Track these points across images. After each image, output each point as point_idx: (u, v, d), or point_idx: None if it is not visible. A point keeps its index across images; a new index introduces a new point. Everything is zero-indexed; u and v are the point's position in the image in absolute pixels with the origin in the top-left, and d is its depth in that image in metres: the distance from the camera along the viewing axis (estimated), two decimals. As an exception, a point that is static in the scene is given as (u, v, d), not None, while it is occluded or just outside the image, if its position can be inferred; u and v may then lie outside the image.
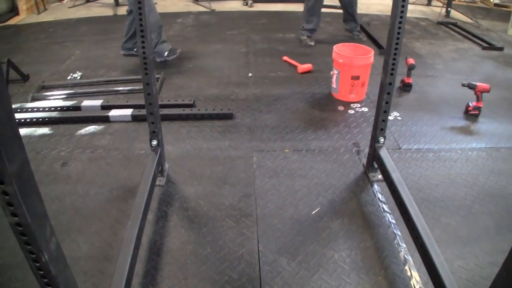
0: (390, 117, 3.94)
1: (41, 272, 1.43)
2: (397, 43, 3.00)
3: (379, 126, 3.32)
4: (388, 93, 3.19)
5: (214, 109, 4.29)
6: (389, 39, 3.03)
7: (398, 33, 2.95)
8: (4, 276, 2.53)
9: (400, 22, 2.91)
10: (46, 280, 1.46)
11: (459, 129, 4.35)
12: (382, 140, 3.37)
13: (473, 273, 2.69)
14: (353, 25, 6.77)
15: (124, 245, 2.41)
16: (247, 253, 2.75)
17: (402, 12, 2.88)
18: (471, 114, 4.61)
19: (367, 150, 3.76)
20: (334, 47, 4.79)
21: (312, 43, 6.47)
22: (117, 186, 3.32)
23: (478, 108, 4.59)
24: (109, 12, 8.00)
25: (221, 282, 2.54)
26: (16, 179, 1.23)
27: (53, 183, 3.33)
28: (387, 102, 3.23)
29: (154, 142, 3.24)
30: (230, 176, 3.46)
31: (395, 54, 3.04)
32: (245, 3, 8.82)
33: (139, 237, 2.54)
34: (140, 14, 2.77)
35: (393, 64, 3.08)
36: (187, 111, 4.27)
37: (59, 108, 4.32)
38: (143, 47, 2.87)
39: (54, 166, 3.54)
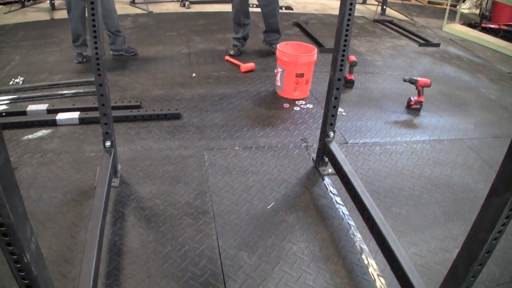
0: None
1: (22, 274, 1.43)
2: (345, 40, 3.08)
3: (329, 121, 3.39)
4: (337, 89, 3.27)
5: (161, 110, 4.28)
6: (337, 36, 3.11)
7: (347, 30, 3.03)
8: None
9: (348, 20, 2.99)
10: (27, 281, 1.45)
11: (402, 123, 4.49)
12: (332, 134, 3.45)
13: (427, 259, 2.82)
14: (274, 36, 6.23)
15: (87, 247, 2.39)
16: (207, 249, 2.77)
17: (350, 10, 2.96)
18: (413, 108, 4.77)
19: (315, 145, 3.85)
20: (278, 45, 4.86)
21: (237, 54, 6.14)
22: (70, 189, 3.26)
23: (419, 103, 4.75)
24: (45, 16, 7.83)
25: (185, 278, 2.55)
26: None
27: (3, 189, 3.21)
28: (336, 98, 3.31)
29: (108, 143, 3.22)
30: (183, 174, 3.47)
31: (343, 51, 3.13)
32: (182, 5, 8.81)
33: (101, 238, 2.52)
34: (93, 15, 2.76)
35: (342, 60, 3.16)
36: (135, 112, 4.25)
37: (4, 114, 4.19)
38: (96, 48, 2.85)
39: (3, 172, 3.41)
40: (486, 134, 4.46)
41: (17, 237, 1.34)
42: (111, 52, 5.70)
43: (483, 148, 4.18)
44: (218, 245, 2.81)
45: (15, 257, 1.38)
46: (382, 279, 2.63)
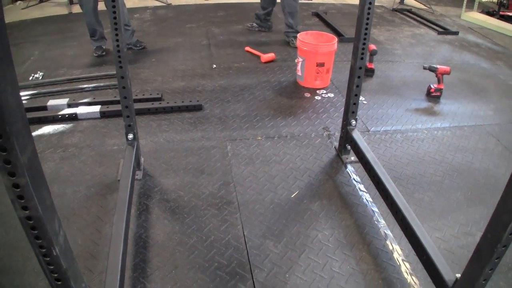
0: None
1: (51, 267, 1.43)
2: (366, 29, 3.08)
3: (351, 109, 3.40)
4: (359, 77, 3.28)
5: (183, 101, 4.31)
6: (358, 25, 3.11)
7: (367, 18, 3.03)
8: None
9: (369, 8, 2.99)
10: (56, 275, 1.46)
11: (423, 110, 4.49)
12: (354, 122, 3.46)
13: (451, 244, 2.82)
14: (289, 29, 6.21)
15: (113, 241, 2.41)
16: (233, 239, 2.80)
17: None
18: (433, 96, 4.75)
19: (337, 134, 3.86)
20: (298, 35, 4.87)
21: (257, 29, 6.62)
22: (93, 183, 3.28)
23: (439, 90, 4.74)
24: (63, 11, 7.90)
25: (211, 268, 2.58)
26: (28, 170, 1.23)
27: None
28: (357, 86, 3.31)
29: (130, 136, 3.24)
30: (207, 165, 3.49)
31: (364, 39, 3.13)
32: (200, -4, 8.83)
33: (126, 231, 2.54)
34: (114, 7, 2.79)
35: (363, 49, 3.16)
36: (156, 104, 4.28)
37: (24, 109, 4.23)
38: (117, 40, 2.87)
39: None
40: (506, 120, 4.43)
41: (46, 230, 1.34)
42: None
43: (504, 134, 4.16)
44: (244, 234, 2.83)
45: (44, 250, 1.38)
46: (407, 264, 2.64)
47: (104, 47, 5.57)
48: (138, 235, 2.81)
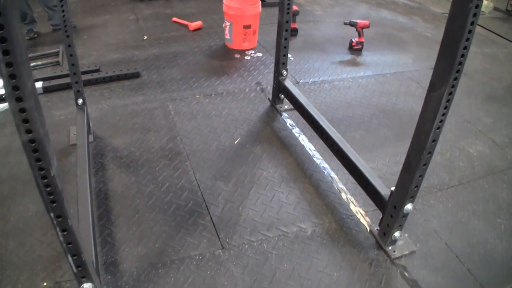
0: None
1: (49, 189, 1.59)
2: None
3: (281, 60, 3.69)
4: (286, 30, 3.55)
5: (121, 70, 4.46)
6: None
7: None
8: None
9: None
10: (52, 197, 1.62)
11: (347, 62, 4.85)
12: (285, 73, 3.75)
13: (383, 171, 3.21)
14: None
15: (80, 192, 2.59)
16: (187, 183, 3.05)
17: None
18: (355, 49, 5.12)
19: (269, 87, 4.16)
20: (224, 1, 5.08)
21: None
22: None
23: (361, 43, 5.10)
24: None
25: (171, 210, 2.83)
26: (32, 96, 1.40)
27: (-22, 161, 3.29)
28: (285, 39, 3.60)
29: (80, 101, 3.37)
30: (152, 124, 3.71)
31: (289, -5, 3.40)
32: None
33: (90, 183, 2.74)
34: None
35: (288, 4, 3.42)
36: (95, 75, 4.41)
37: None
38: (63, 11, 3.00)
39: (-25, 145, 3.44)
40: (424, 67, 4.87)
41: (45, 152, 1.51)
42: (51, 27, 5.75)
43: (423, 78, 4.59)
44: (196, 178, 3.09)
45: (42, 172, 1.54)
46: (346, 190, 3.01)
47: (35, 30, 5.59)
48: (98, 189, 3.00)
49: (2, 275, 2.37)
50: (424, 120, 2.07)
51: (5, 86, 1.35)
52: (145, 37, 5.45)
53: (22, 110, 1.40)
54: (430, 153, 2.15)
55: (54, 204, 1.65)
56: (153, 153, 3.35)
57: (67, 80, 4.09)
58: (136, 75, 4.49)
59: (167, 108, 3.93)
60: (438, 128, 2.05)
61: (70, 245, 1.79)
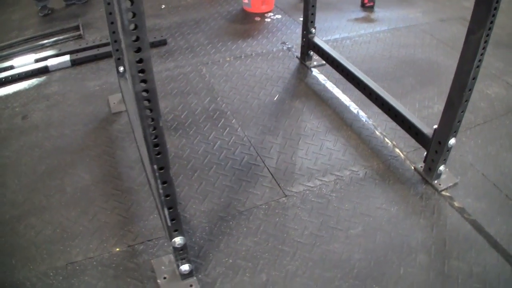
0: (300, 19, 4.43)
1: (155, 140, 1.70)
2: None
3: (309, 18, 3.85)
4: (313, -11, 3.71)
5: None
6: None
7: None
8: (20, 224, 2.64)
9: None
10: (157, 148, 1.73)
11: (362, 19, 5.06)
12: (313, 30, 3.92)
13: (415, 115, 3.42)
14: None
15: (142, 153, 2.60)
16: (237, 140, 3.24)
17: None
18: (367, 7, 5.32)
19: (295, 46, 4.35)
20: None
21: None
22: (89, 120, 3.46)
23: (372, 0, 5.30)
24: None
25: (228, 166, 3.01)
26: (148, 47, 1.45)
27: (23, 135, 3.32)
28: (313, -3, 3.75)
29: (121, 69, 3.45)
30: (190, 87, 3.85)
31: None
32: None
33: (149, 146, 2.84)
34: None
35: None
36: (123, 45, 4.51)
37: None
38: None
39: (15, 121, 3.49)
40: (434, 19, 5.08)
41: (156, 102, 1.59)
42: (64, 2, 5.69)
43: (435, 30, 4.80)
44: (245, 134, 3.28)
45: (152, 122, 1.64)
46: (387, 135, 3.24)
47: (48, 6, 5.60)
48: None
49: (70, 246, 2.46)
50: (464, 60, 2.31)
51: (125, 38, 1.39)
52: (163, 6, 5.56)
53: (140, 61, 1.45)
54: (471, 90, 2.39)
55: (159, 156, 1.76)
56: (198, 115, 3.50)
57: (93, 52, 4.26)
58: (163, 43, 4.61)
59: (201, 71, 4.07)
60: (478, 66, 2.28)
61: (168, 198, 1.90)
